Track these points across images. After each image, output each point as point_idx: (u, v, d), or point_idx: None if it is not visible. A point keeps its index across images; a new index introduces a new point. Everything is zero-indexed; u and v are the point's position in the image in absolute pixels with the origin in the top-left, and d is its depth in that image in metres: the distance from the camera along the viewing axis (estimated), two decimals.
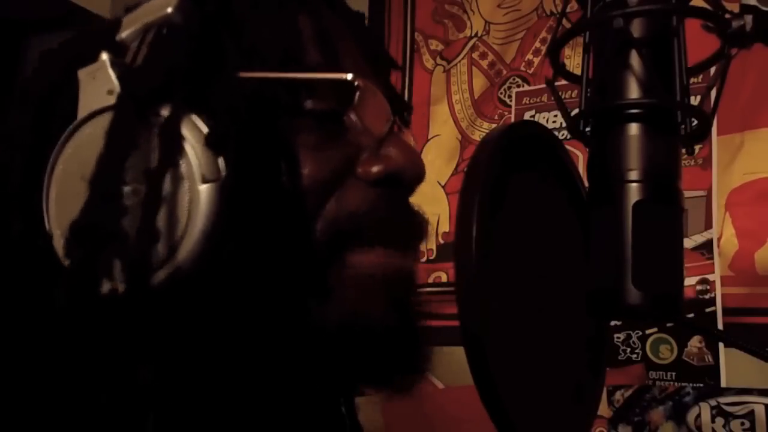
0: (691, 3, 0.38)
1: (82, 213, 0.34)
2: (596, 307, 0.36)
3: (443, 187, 1.40)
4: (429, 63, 1.47)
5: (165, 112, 0.35)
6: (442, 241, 1.37)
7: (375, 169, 0.39)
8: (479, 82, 1.40)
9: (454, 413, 1.07)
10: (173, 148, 0.34)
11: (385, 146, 0.40)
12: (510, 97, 1.37)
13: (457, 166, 1.39)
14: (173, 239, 0.34)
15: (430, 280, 1.37)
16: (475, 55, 1.42)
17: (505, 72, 1.39)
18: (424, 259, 1.38)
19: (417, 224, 0.43)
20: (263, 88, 0.37)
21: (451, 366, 1.35)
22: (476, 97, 1.40)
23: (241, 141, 0.35)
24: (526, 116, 1.32)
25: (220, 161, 0.35)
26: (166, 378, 0.36)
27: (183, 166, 0.34)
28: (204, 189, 0.34)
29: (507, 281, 0.35)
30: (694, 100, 0.37)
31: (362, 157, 0.40)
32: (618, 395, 1.07)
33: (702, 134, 0.36)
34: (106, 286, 0.34)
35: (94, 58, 0.37)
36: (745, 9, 0.35)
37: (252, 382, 0.37)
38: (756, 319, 1.03)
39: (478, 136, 1.38)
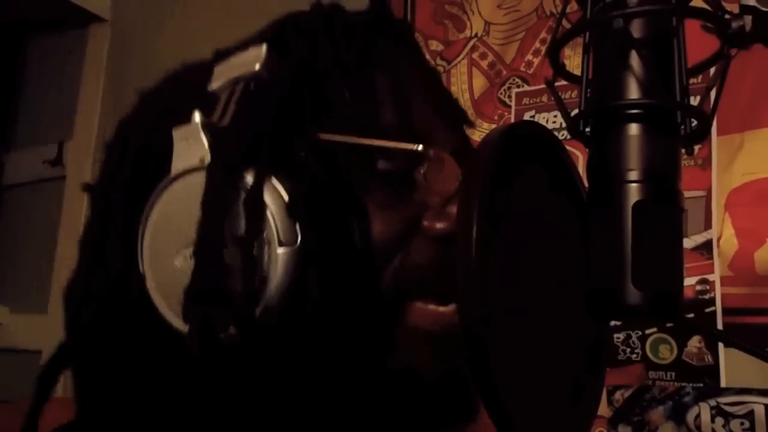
0: (691, 3, 0.38)
1: (194, 278, 0.37)
2: (596, 307, 0.36)
3: None
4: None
5: (250, 177, 0.38)
6: None
7: (439, 226, 0.42)
8: (479, 83, 1.40)
9: None
10: (257, 216, 0.37)
11: (451, 205, 0.42)
12: (510, 97, 1.37)
13: None
14: (264, 295, 0.37)
15: None
16: (475, 56, 1.42)
17: (505, 72, 1.39)
18: None
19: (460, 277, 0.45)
20: (339, 150, 0.40)
21: None
22: (476, 98, 1.40)
23: (317, 206, 0.38)
24: (526, 116, 1.32)
25: (297, 226, 0.38)
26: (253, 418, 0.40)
27: (264, 232, 0.38)
28: (282, 252, 0.37)
29: (507, 281, 0.35)
30: (694, 101, 0.37)
31: (428, 214, 0.42)
32: (618, 395, 1.07)
33: (702, 134, 0.36)
34: (222, 336, 0.37)
35: (188, 115, 0.39)
36: (745, 9, 0.35)
37: (318, 423, 0.40)
38: (756, 319, 1.03)
39: (478, 136, 1.38)
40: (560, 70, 0.39)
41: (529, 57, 1.36)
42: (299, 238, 0.38)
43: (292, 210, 0.38)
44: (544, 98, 1.32)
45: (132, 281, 0.41)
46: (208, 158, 0.38)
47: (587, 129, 0.37)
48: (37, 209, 1.81)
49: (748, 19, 0.35)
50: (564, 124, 0.34)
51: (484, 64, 1.41)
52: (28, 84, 1.95)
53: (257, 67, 0.40)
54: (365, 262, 0.39)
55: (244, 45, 0.44)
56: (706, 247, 1.10)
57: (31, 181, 1.84)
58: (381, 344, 0.40)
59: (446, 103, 0.48)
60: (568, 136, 0.39)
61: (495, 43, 1.40)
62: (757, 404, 0.99)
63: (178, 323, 0.38)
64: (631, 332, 1.14)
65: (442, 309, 0.42)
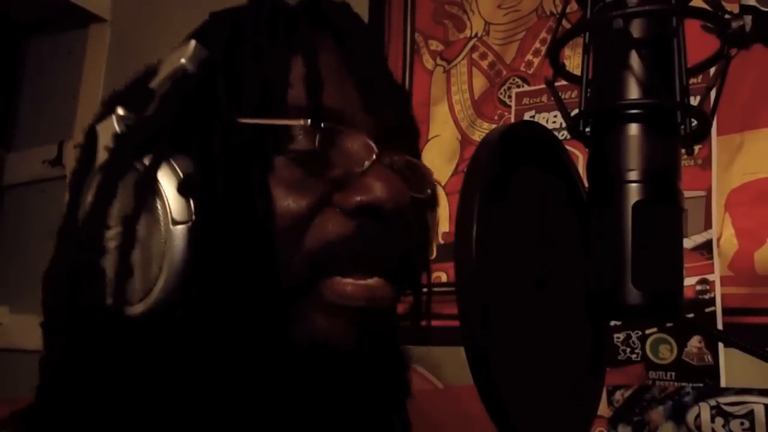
0: (691, 3, 0.38)
1: (70, 254, 0.40)
2: (596, 307, 0.36)
3: (443, 187, 1.40)
4: (429, 63, 1.47)
5: (147, 161, 0.39)
6: (442, 241, 1.37)
7: (351, 199, 0.41)
8: (479, 83, 1.40)
9: (454, 412, 1.07)
10: (146, 193, 0.39)
11: (365, 178, 0.42)
12: (510, 97, 1.37)
13: (457, 166, 1.39)
14: (148, 276, 0.38)
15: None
16: (475, 56, 1.42)
17: (505, 72, 1.39)
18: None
19: (397, 254, 0.43)
20: (245, 132, 0.41)
21: (451, 366, 1.35)
22: (476, 98, 1.40)
23: (214, 184, 0.39)
24: (526, 116, 1.32)
25: (192, 204, 0.39)
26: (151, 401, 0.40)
27: (158, 210, 0.39)
28: (175, 230, 0.38)
29: (507, 281, 0.35)
30: (694, 101, 0.37)
31: (339, 190, 0.42)
32: (618, 395, 1.07)
33: (702, 134, 0.36)
34: (91, 317, 0.39)
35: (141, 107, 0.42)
36: (745, 9, 0.35)
37: (228, 401, 0.40)
38: (756, 319, 1.03)
39: (478, 136, 1.38)
40: (560, 70, 0.39)
41: (529, 57, 1.36)
42: (193, 216, 0.38)
43: (183, 188, 0.39)
44: (544, 98, 1.32)
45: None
46: (111, 146, 0.41)
47: (587, 129, 0.37)
48: (37, 209, 1.81)
49: (748, 19, 0.35)
50: (564, 124, 0.34)
51: (484, 64, 1.41)
52: (28, 84, 1.95)
53: (183, 61, 0.41)
54: (267, 238, 0.39)
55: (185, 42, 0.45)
56: (706, 247, 1.10)
57: (31, 181, 1.84)
58: (281, 318, 0.40)
59: (376, 85, 0.47)
60: (568, 136, 0.39)
61: (495, 43, 1.40)
62: (757, 404, 0.99)
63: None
64: (631, 332, 1.14)
65: (361, 282, 0.41)
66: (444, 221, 1.38)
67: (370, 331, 0.42)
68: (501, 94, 1.38)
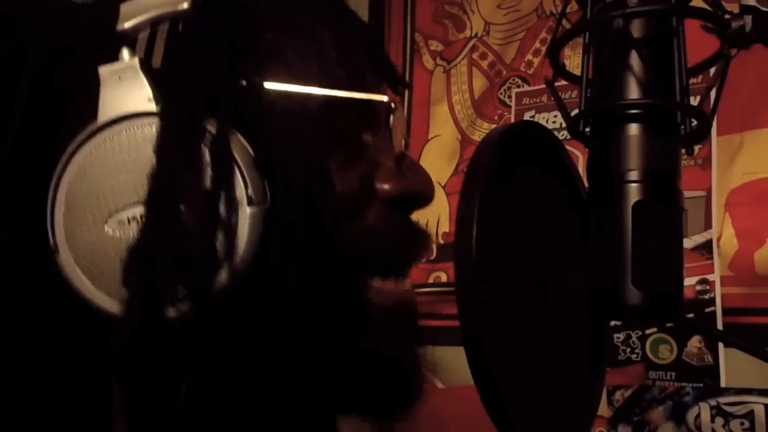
0: (691, 3, 0.38)
1: (143, 236, 0.32)
2: (596, 306, 0.36)
3: (443, 187, 1.40)
4: (429, 63, 1.47)
5: (212, 128, 0.33)
6: (442, 241, 1.37)
7: (391, 187, 0.39)
8: (479, 83, 1.40)
9: (454, 413, 1.07)
10: (227, 169, 0.33)
11: (402, 166, 0.40)
12: (510, 97, 1.37)
13: (457, 166, 1.40)
14: (231, 262, 0.33)
15: (430, 280, 1.37)
16: (475, 56, 1.42)
17: (505, 72, 1.39)
18: (424, 259, 1.38)
19: (423, 246, 0.42)
20: (294, 104, 0.36)
21: (451, 366, 1.35)
22: (476, 98, 1.40)
23: (284, 165, 0.35)
24: (526, 116, 1.32)
25: (266, 184, 0.34)
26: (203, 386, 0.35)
27: (236, 188, 0.33)
28: (251, 212, 0.33)
29: (507, 281, 0.35)
30: (694, 101, 0.37)
31: (380, 175, 0.39)
32: (618, 395, 1.07)
33: (702, 134, 0.36)
34: (171, 311, 0.33)
35: (98, 55, 0.35)
36: (745, 9, 0.35)
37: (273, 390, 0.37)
38: (755, 319, 1.03)
39: (478, 136, 1.38)
40: (560, 70, 0.39)
41: (529, 57, 1.36)
42: (269, 198, 0.34)
43: (262, 166, 0.34)
44: (544, 98, 1.32)
45: (32, 256, 0.35)
46: (151, 97, 0.34)
47: (587, 129, 0.37)
48: None
49: (748, 19, 0.35)
50: (564, 124, 0.34)
51: (484, 64, 1.41)
52: None
53: (185, 6, 0.35)
54: (331, 227, 0.36)
55: None
56: (706, 247, 1.10)
57: None
58: (354, 323, 0.37)
59: (384, 65, 0.44)
60: (568, 136, 0.39)
61: (495, 43, 1.40)
62: (756, 404, 0.99)
63: (105, 301, 0.33)
64: (631, 332, 1.14)
65: (399, 287, 0.40)
66: (444, 221, 1.38)
67: (409, 334, 0.41)
68: (501, 94, 1.38)
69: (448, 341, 1.38)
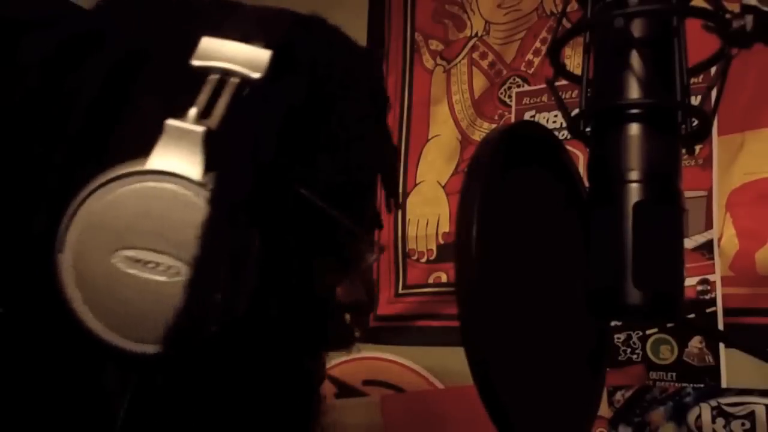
0: (692, 3, 0.38)
1: (191, 297, 0.36)
2: (596, 306, 0.35)
3: (443, 187, 1.40)
4: (429, 63, 1.47)
5: (243, 215, 0.37)
6: (442, 241, 1.37)
7: (345, 298, 0.46)
8: (479, 82, 1.40)
9: (454, 413, 1.07)
10: (248, 260, 0.37)
11: (358, 280, 0.47)
12: (510, 97, 1.37)
13: (457, 166, 1.39)
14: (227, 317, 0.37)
15: (430, 280, 1.37)
16: (475, 55, 1.42)
17: (505, 72, 1.39)
18: (424, 260, 1.38)
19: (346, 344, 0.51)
20: (311, 205, 0.40)
21: (451, 366, 1.35)
22: (476, 97, 1.40)
23: (293, 255, 0.40)
24: (526, 116, 1.32)
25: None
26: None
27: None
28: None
29: (507, 281, 0.35)
30: (695, 100, 0.37)
31: (343, 285, 0.46)
32: (618, 396, 1.07)
33: (702, 134, 0.36)
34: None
35: (179, 77, 0.37)
36: (746, 9, 0.35)
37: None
38: (756, 319, 1.03)
39: (478, 136, 1.38)
40: (561, 70, 0.39)
41: (530, 56, 1.36)
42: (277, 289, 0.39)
43: (275, 257, 0.38)
44: (545, 98, 1.32)
45: (40, 273, 0.36)
46: (201, 177, 0.36)
47: (588, 129, 0.37)
48: None
49: (749, 19, 0.35)
50: (564, 124, 0.34)
51: (485, 63, 1.41)
52: None
53: (257, 75, 0.37)
54: (320, 309, 0.43)
55: (239, 24, 0.40)
56: (707, 248, 1.10)
57: None
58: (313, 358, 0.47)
59: (394, 185, 0.53)
60: (569, 136, 0.39)
61: (495, 42, 1.40)
62: (757, 405, 0.99)
63: (97, 326, 0.36)
64: (631, 333, 1.13)
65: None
66: (444, 221, 1.38)
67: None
68: (501, 93, 1.38)
69: (448, 341, 1.37)
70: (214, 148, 0.36)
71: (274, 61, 0.37)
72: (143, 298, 0.35)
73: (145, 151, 0.36)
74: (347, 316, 0.49)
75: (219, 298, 0.36)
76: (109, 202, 0.36)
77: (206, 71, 0.37)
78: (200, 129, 0.36)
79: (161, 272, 0.36)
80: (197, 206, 0.36)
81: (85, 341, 0.36)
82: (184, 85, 0.37)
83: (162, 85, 0.38)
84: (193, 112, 0.36)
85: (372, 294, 0.53)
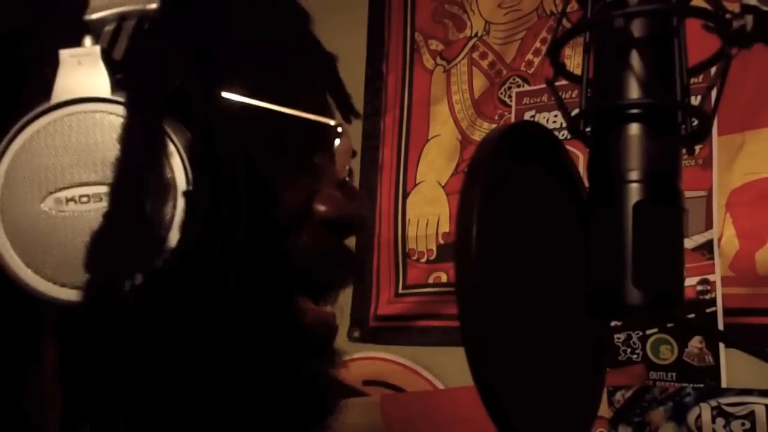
0: (692, 3, 0.38)
1: (108, 221, 0.34)
2: (596, 306, 0.35)
3: (443, 187, 1.40)
4: (429, 63, 1.47)
5: (161, 119, 0.35)
6: (442, 242, 1.37)
7: (326, 210, 0.41)
8: (479, 82, 1.40)
9: (454, 413, 1.07)
10: (163, 158, 0.35)
11: (344, 192, 0.42)
12: (510, 97, 1.37)
13: (457, 166, 1.39)
14: (169, 251, 0.34)
15: (430, 281, 1.37)
16: (475, 55, 1.42)
17: (505, 72, 1.39)
18: (424, 260, 1.38)
19: (352, 271, 0.45)
20: (246, 115, 0.38)
21: (451, 366, 1.35)
22: (476, 97, 1.40)
23: (222, 160, 0.36)
24: (527, 116, 1.32)
25: (202, 177, 0.35)
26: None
27: (171, 177, 0.35)
28: (184, 200, 0.35)
29: (507, 281, 0.35)
30: (695, 100, 0.37)
31: (320, 197, 0.41)
32: (618, 396, 1.07)
33: (702, 134, 0.36)
34: (125, 293, 0.34)
35: (75, 39, 0.36)
36: (746, 9, 0.35)
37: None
38: (756, 319, 1.03)
39: (478, 136, 1.38)
40: (561, 70, 0.39)
41: (530, 56, 1.36)
42: (209, 194, 0.35)
43: (208, 165, 0.35)
44: (545, 98, 1.32)
45: None
46: (109, 84, 0.35)
47: (588, 129, 0.37)
48: None
49: (749, 19, 0.35)
50: (564, 124, 0.34)
51: (485, 63, 1.41)
52: None
53: (154, 6, 0.36)
54: (272, 234, 0.38)
55: None
56: (707, 248, 1.10)
57: None
58: (280, 336, 0.38)
59: (343, 93, 0.46)
60: (569, 136, 0.39)
61: (495, 42, 1.40)
62: (757, 405, 0.99)
63: (29, 275, 0.34)
64: (631, 333, 1.13)
65: (320, 310, 0.41)
66: (444, 221, 1.38)
67: (321, 360, 0.42)
68: (501, 93, 1.38)
69: (448, 341, 1.38)
70: (119, 68, 0.36)
71: None
72: (80, 237, 0.34)
73: (47, 94, 0.35)
74: (335, 240, 0.42)
75: (144, 224, 0.34)
76: (23, 151, 0.35)
77: (101, 23, 0.37)
78: (96, 48, 0.35)
79: (95, 203, 0.34)
80: (112, 123, 0.34)
81: (25, 297, 0.35)
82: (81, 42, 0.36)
83: (55, 52, 0.36)
84: (88, 40, 0.36)
85: (361, 202, 0.44)
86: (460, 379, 1.16)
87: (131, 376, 0.36)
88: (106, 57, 0.36)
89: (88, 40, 0.36)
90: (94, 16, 0.37)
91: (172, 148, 0.35)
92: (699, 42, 0.40)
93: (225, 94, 0.38)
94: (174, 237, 0.34)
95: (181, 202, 0.35)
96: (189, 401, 0.37)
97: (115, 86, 0.35)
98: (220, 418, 0.38)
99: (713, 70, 0.39)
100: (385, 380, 1.31)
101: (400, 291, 1.40)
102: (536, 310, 0.37)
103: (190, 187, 0.35)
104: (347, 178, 0.44)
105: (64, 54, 0.36)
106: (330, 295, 0.43)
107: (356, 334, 1.38)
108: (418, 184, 1.43)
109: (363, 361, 1.33)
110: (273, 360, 0.39)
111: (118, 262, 0.34)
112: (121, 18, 0.37)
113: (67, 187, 0.34)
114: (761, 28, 0.35)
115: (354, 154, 0.48)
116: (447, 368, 1.26)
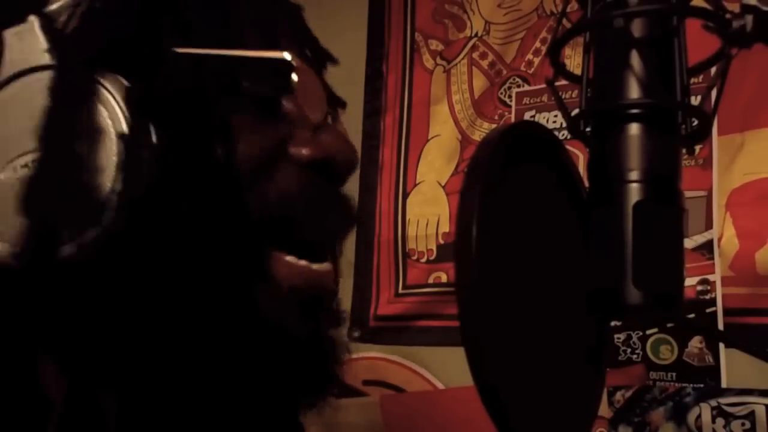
0: (692, 3, 0.38)
1: (39, 171, 0.33)
2: (596, 307, 0.35)
3: (443, 187, 1.40)
4: (429, 63, 1.47)
5: (98, 74, 0.35)
6: (442, 242, 1.37)
7: (306, 151, 0.38)
8: (479, 82, 1.40)
9: (454, 413, 1.07)
10: (95, 103, 0.34)
11: (320, 132, 0.39)
12: (510, 97, 1.37)
13: (457, 166, 1.39)
14: (103, 198, 0.33)
15: (431, 281, 1.37)
16: (475, 55, 1.42)
17: (505, 72, 1.39)
18: (424, 260, 1.38)
19: (347, 216, 0.41)
20: (199, 64, 0.36)
21: (451, 366, 1.35)
22: (476, 97, 1.40)
23: (167, 106, 0.35)
24: (527, 116, 1.32)
25: (152, 127, 0.35)
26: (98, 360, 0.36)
27: (102, 118, 0.34)
28: (124, 145, 0.34)
29: (507, 282, 0.35)
30: (695, 100, 0.37)
31: (295, 141, 0.39)
32: (618, 396, 1.07)
33: (702, 134, 0.36)
34: (66, 246, 0.33)
35: (22, 20, 0.36)
36: (746, 9, 0.35)
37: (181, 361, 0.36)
38: (757, 319, 1.03)
39: (478, 136, 1.38)
40: (561, 70, 0.39)
41: (530, 56, 1.36)
42: (153, 139, 0.34)
43: (146, 107, 0.34)
44: (545, 98, 1.32)
45: None
46: (47, 47, 0.35)
47: (588, 129, 0.37)
48: None
49: (749, 19, 0.35)
50: (564, 124, 0.34)
51: (485, 63, 1.41)
52: None
53: None
54: (229, 177, 0.35)
55: None
56: (707, 248, 1.10)
57: None
58: (254, 274, 0.36)
59: (310, 42, 0.44)
60: (569, 136, 0.39)
61: (495, 42, 1.40)
62: (757, 405, 0.99)
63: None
64: (631, 333, 1.13)
65: (313, 266, 0.38)
66: (444, 221, 1.38)
67: (316, 316, 0.39)
68: (501, 93, 1.38)
69: (448, 341, 1.38)
70: (61, 38, 0.36)
71: None
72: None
73: None
74: (321, 184, 0.39)
75: (76, 166, 0.33)
76: None
77: (59, 11, 0.37)
78: (33, 19, 0.36)
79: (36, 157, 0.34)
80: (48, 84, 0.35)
81: None
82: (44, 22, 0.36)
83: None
84: (30, 17, 0.36)
85: (347, 142, 0.40)
86: (460, 379, 1.16)
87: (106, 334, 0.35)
88: (46, 27, 0.36)
89: (31, 16, 0.36)
90: (53, 7, 0.37)
91: (105, 94, 0.35)
92: (699, 42, 0.40)
93: (168, 43, 0.37)
94: (112, 181, 0.33)
95: (118, 147, 0.34)
96: (149, 369, 0.35)
97: (53, 51, 0.35)
98: (197, 390, 0.36)
99: (713, 70, 0.39)
100: (385, 380, 1.31)
101: (400, 291, 1.40)
102: (536, 309, 0.37)
103: (126, 131, 0.34)
104: (329, 122, 0.42)
105: (7, 34, 0.36)
106: (325, 248, 0.40)
107: (356, 334, 1.38)
108: (418, 184, 1.43)
109: (363, 361, 1.33)
110: (241, 322, 0.36)
111: (52, 208, 0.33)
112: (76, 4, 0.37)
113: (21, 155, 0.35)
114: (761, 28, 0.35)
115: (340, 103, 0.45)
116: (447, 368, 1.26)
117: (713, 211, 1.11)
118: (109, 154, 0.34)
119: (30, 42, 0.36)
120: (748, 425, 0.99)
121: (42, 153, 0.34)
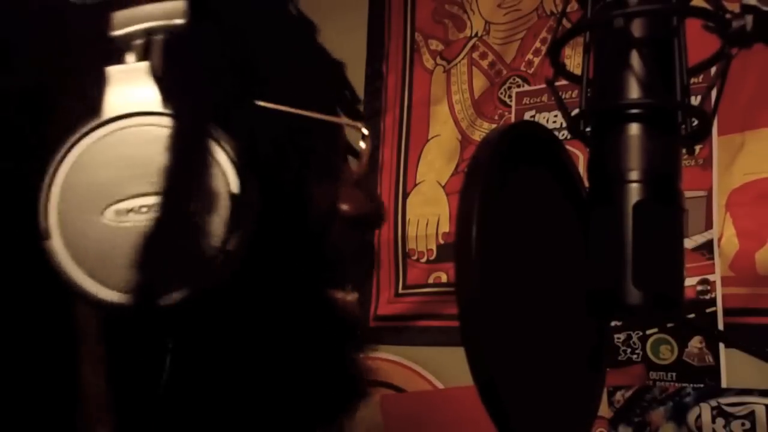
0: (692, 3, 0.38)
1: (155, 230, 0.34)
2: (596, 306, 0.35)
3: (443, 187, 1.40)
4: (429, 63, 1.47)
5: (209, 130, 0.36)
6: (442, 242, 1.37)
7: (351, 208, 0.43)
8: (479, 82, 1.40)
9: (454, 413, 1.07)
10: (211, 165, 0.36)
11: (357, 187, 0.44)
12: (510, 97, 1.37)
13: (457, 166, 1.39)
14: (211, 257, 0.35)
15: (430, 280, 1.37)
16: (475, 55, 1.42)
17: (505, 72, 1.39)
18: (424, 260, 1.38)
19: (372, 261, 0.48)
20: (278, 120, 0.39)
21: (451, 366, 1.35)
22: (476, 97, 1.40)
23: (268, 165, 0.38)
24: (526, 116, 1.32)
25: (255, 188, 0.36)
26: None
27: (219, 183, 0.36)
28: (232, 207, 0.35)
29: (507, 281, 0.35)
30: (695, 100, 0.37)
31: (342, 196, 0.43)
32: (618, 396, 1.07)
33: (702, 134, 0.36)
34: (174, 296, 0.35)
35: (89, 58, 0.37)
36: (746, 9, 0.35)
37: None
38: (756, 319, 1.03)
39: (478, 136, 1.38)
40: (561, 70, 0.39)
41: (530, 56, 1.36)
42: (256, 202, 0.36)
43: (250, 170, 0.36)
44: (545, 98, 1.32)
45: (23, 239, 0.36)
46: (158, 99, 0.36)
47: (588, 128, 0.37)
48: None
49: (749, 19, 0.35)
50: (564, 124, 0.34)
51: (485, 63, 1.41)
52: None
53: (181, 21, 0.37)
54: (311, 235, 0.40)
55: None
56: (707, 248, 1.10)
57: None
58: (317, 329, 0.41)
59: (354, 95, 0.49)
60: (569, 136, 0.39)
61: (495, 42, 1.40)
62: (757, 405, 0.99)
63: (92, 285, 0.35)
64: (631, 333, 1.13)
65: (348, 297, 0.43)
66: (444, 221, 1.38)
67: (352, 345, 0.44)
68: (501, 93, 1.38)
69: (448, 341, 1.37)
70: (163, 82, 0.36)
71: (192, 6, 0.38)
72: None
73: (95, 108, 0.36)
74: (359, 235, 0.45)
75: (191, 230, 0.34)
76: (77, 166, 0.36)
77: (129, 37, 0.37)
78: (143, 63, 0.36)
79: (154, 212, 0.35)
80: (165, 135, 0.35)
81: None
82: (111, 56, 0.37)
83: (91, 67, 0.37)
84: (131, 56, 0.37)
85: (377, 200, 0.46)
86: (460, 379, 1.16)
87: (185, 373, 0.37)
88: (151, 70, 0.36)
89: (130, 57, 0.37)
90: (121, 32, 0.37)
91: (218, 151, 0.36)
92: (699, 42, 0.40)
93: (260, 103, 0.39)
94: (222, 242, 0.35)
95: (229, 207, 0.35)
96: (231, 397, 0.39)
97: (165, 98, 0.36)
98: (258, 406, 0.39)
99: (713, 70, 0.39)
100: (385, 380, 1.31)
101: (400, 291, 1.40)
102: (536, 309, 0.37)
103: (238, 192, 0.35)
104: (365, 178, 0.46)
105: (112, 70, 0.37)
106: (355, 286, 0.45)
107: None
108: (418, 184, 1.43)
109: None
110: (314, 348, 0.41)
111: (162, 267, 0.35)
112: (149, 33, 0.37)
113: (126, 198, 0.35)
114: (761, 28, 0.35)
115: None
116: (447, 368, 1.27)
117: (713, 211, 1.11)
118: (222, 214, 0.35)
119: (140, 86, 0.36)
120: (748, 425, 0.99)
121: (161, 212, 0.35)
